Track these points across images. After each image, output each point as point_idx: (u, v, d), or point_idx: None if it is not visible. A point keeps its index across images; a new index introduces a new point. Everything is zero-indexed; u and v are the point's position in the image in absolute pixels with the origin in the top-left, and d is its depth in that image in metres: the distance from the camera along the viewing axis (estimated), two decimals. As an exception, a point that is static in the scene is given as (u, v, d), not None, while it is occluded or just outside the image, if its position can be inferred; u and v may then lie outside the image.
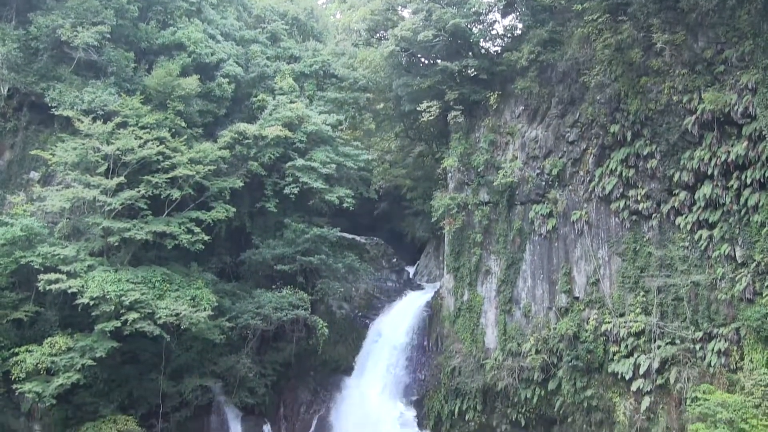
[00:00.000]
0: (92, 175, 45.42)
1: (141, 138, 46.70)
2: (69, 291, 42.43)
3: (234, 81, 55.70)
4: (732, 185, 39.72)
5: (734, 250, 39.98)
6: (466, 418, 50.11)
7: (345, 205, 54.94)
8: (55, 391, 40.56)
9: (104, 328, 42.37)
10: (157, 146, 46.80)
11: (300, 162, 53.42)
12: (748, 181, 38.80)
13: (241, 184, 51.31)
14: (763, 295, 38.54)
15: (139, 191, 45.87)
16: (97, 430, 42.06)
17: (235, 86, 55.81)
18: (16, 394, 41.45)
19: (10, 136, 49.34)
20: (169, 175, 46.82)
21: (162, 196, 46.94)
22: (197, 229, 47.03)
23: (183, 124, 50.45)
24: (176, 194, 47.06)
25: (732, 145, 39.56)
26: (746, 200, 39.03)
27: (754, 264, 38.87)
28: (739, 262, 39.79)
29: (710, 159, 40.44)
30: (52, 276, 42.43)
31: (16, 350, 42.22)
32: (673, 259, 42.85)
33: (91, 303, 42.12)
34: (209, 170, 48.81)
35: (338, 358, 53.22)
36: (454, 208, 52.44)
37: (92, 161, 45.83)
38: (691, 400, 40.40)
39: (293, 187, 52.97)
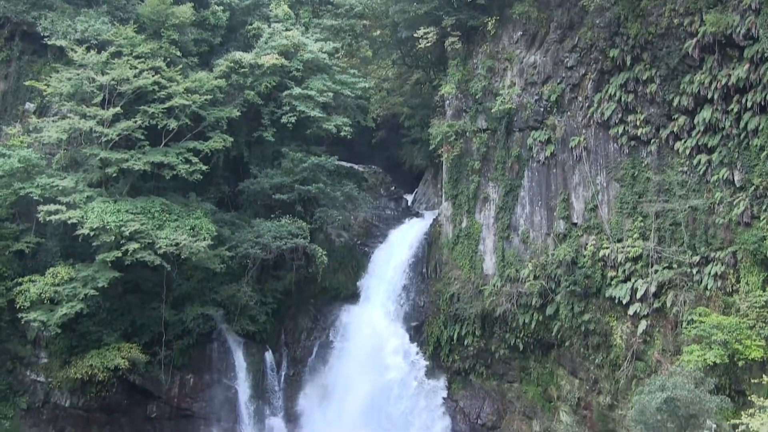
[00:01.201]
0: (88, 106, 45.21)
1: (136, 68, 46.29)
2: (69, 222, 42.68)
3: (228, 9, 54.93)
4: (732, 109, 39.50)
5: (733, 174, 40.01)
6: (465, 343, 50.84)
7: (342, 133, 54.72)
8: (60, 320, 41.10)
9: (105, 259, 42.73)
10: (153, 76, 46.43)
11: (297, 91, 53.03)
12: (749, 104, 38.58)
13: (238, 113, 51.02)
14: (761, 218, 38.71)
15: (135, 122, 45.70)
16: (102, 357, 42.72)
17: (230, 14, 55.06)
18: (22, 322, 42.08)
19: (3, 67, 48.96)
20: (166, 105, 46.57)
21: (159, 127, 46.77)
22: (195, 159, 46.98)
23: (178, 54, 49.93)
24: (173, 124, 46.86)
25: (733, 68, 39.19)
26: (746, 124, 38.87)
27: (752, 188, 38.94)
28: (738, 186, 39.85)
29: (710, 83, 40.10)
30: (52, 207, 42.59)
31: (20, 280, 42.73)
32: (672, 184, 42.89)
33: (92, 234, 42.40)
34: (205, 100, 48.50)
35: (338, 286, 53.67)
36: (452, 136, 52.25)
37: (87, 92, 45.53)
38: (687, 322, 40.91)
39: (290, 116, 52.68)
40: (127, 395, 46.11)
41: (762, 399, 25.26)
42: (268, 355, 50.86)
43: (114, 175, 45.51)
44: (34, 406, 44.09)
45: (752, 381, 36.14)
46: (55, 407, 44.39)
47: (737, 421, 26.46)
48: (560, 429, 47.01)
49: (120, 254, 42.75)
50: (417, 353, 50.91)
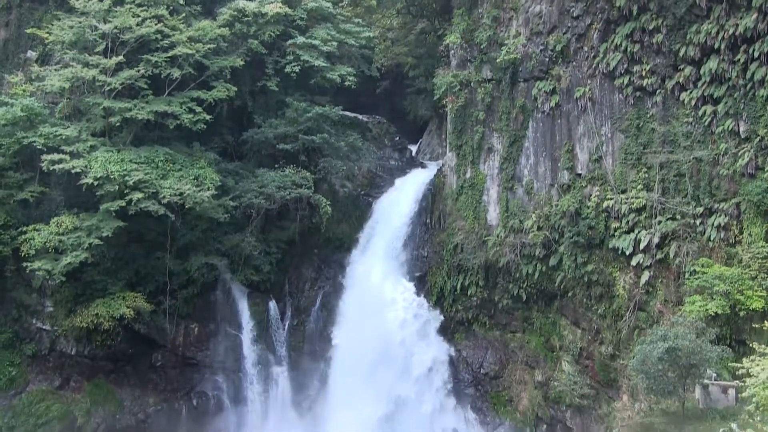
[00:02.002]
0: (90, 55, 44.90)
1: (138, 16, 45.91)
2: (73, 171, 42.69)
3: (231, -45, 54.20)
4: (739, 59, 39.12)
5: (738, 125, 39.77)
6: (469, 293, 51.09)
7: (347, 83, 54.43)
8: (64, 269, 41.30)
9: (109, 208, 42.81)
10: (156, 24, 46.08)
11: (301, 40, 52.60)
12: (756, 54, 38.20)
13: (242, 63, 50.64)
14: (765, 169, 38.58)
15: (138, 71, 45.45)
16: (107, 306, 42.99)
17: (233, -39, 54.35)
18: (27, 271, 42.29)
19: (3, 14, 48.58)
20: (169, 54, 46.25)
21: (162, 76, 46.51)
22: (198, 109, 46.80)
23: (181, 2, 49.45)
24: (176, 73, 46.59)
25: (741, 18, 38.71)
26: (752, 74, 38.55)
27: (757, 139, 38.76)
28: (743, 137, 39.66)
29: (717, 32, 39.65)
30: (55, 156, 42.59)
31: (24, 229, 42.85)
32: (676, 135, 42.68)
33: (95, 183, 42.44)
34: (209, 49, 48.14)
35: (342, 236, 53.72)
36: (457, 86, 51.90)
37: (90, 40, 45.22)
38: (689, 273, 41.05)
39: (294, 66, 52.35)
40: (132, 344, 46.52)
41: (763, 346, 25.43)
42: (272, 305, 51.16)
43: (117, 124, 45.40)
44: (40, 353, 44.56)
45: (753, 327, 36.33)
46: (61, 355, 44.86)
47: (738, 365, 26.65)
48: (562, 378, 47.46)
49: (124, 204, 42.81)
50: (419, 299, 51.10)
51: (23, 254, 42.12)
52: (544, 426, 48.07)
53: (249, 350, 49.11)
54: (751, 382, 24.48)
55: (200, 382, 48.18)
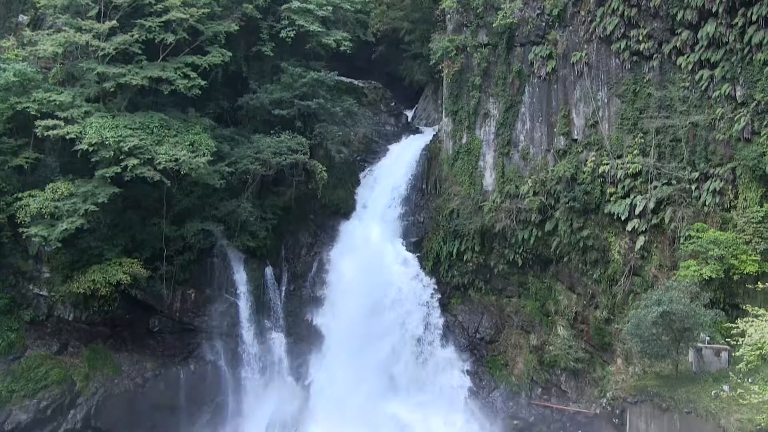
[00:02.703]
0: (83, 19, 44.51)
1: (131, -21, 45.43)
2: (67, 137, 42.57)
3: None
4: (737, 23, 39.00)
5: (735, 89, 39.74)
6: (464, 258, 51.26)
7: (342, 48, 54.05)
8: (60, 235, 41.28)
9: (104, 174, 42.75)
10: (149, -12, 45.58)
11: (296, 4, 52.14)
12: (754, 17, 38.11)
13: (237, 27, 50.20)
14: (761, 134, 38.63)
15: (132, 35, 45.10)
16: (104, 272, 43.02)
17: None
18: (23, 237, 42.27)
19: (-5, -22, 48.00)
20: (163, 19, 45.82)
21: (156, 41, 46.14)
22: (193, 74, 46.48)
23: (174, -35, 48.83)
24: (170, 38, 46.23)
25: (739, -20, 38.58)
26: (750, 38, 38.48)
27: (753, 103, 38.76)
28: (739, 101, 39.66)
29: (715, -5, 39.53)
30: (50, 122, 42.43)
31: (19, 195, 42.76)
32: (673, 100, 42.66)
33: (90, 149, 42.30)
34: (203, 13, 47.69)
35: (338, 202, 53.70)
36: (453, 51, 51.67)
37: (83, 4, 44.82)
38: (684, 238, 41.27)
39: (289, 31, 51.97)
40: (129, 309, 46.67)
41: (756, 308, 25.67)
42: (269, 271, 51.24)
43: (111, 90, 45.14)
44: (37, 319, 44.69)
45: (747, 290, 36.57)
46: (59, 321, 45.02)
47: (733, 325, 26.91)
48: (557, 342, 47.84)
49: (119, 170, 42.67)
50: (414, 264, 51.32)
51: (19, 220, 42.07)
52: (539, 389, 48.53)
53: (246, 316, 49.30)
54: (745, 341, 24.72)
55: (197, 347, 48.39)
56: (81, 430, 42.02)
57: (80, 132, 42.43)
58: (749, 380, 24.84)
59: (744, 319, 25.50)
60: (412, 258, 51.58)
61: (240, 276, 49.47)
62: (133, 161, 42.60)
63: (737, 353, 27.56)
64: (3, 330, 43.37)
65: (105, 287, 42.70)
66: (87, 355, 44.58)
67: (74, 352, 44.54)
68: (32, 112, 42.85)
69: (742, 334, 24.99)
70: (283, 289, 51.90)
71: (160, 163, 43.13)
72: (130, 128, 43.72)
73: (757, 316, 24.77)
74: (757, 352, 23.88)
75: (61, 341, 44.67)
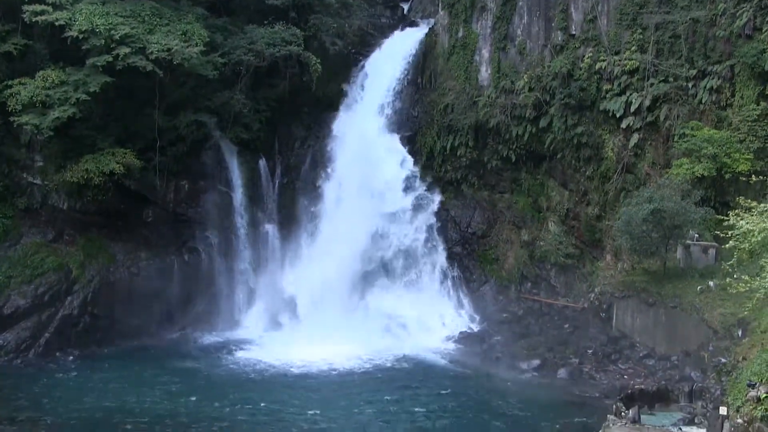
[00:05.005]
0: None
1: None
2: (57, 24, 41.77)
3: None
4: None
5: (738, -16, 39.13)
6: (458, 154, 51.26)
7: (338, -64, 52.69)
8: (52, 124, 40.95)
9: (96, 63, 42.15)
10: None
11: None
12: None
13: None
14: (762, 30, 38.21)
15: None
16: (97, 161, 42.83)
17: None
18: (15, 126, 41.92)
19: None
20: None
21: (146, -76, 44.80)
22: (185, -40, 45.38)
23: None
24: None
25: None
26: (755, -69, 37.65)
27: (756, -1, 38.20)
28: (741, -4, 39.10)
29: None
30: (38, 7, 41.59)
31: (10, 83, 42.20)
32: (674, -5, 42.03)
33: (81, 36, 41.64)
34: None
35: (332, 95, 53.19)
36: (451, -59, 50.50)
37: None
38: (678, 136, 41.35)
39: None
40: (123, 200, 46.70)
41: (749, 201, 25.90)
42: (262, 163, 51.22)
43: (101, -25, 44.05)
44: (32, 207, 44.76)
45: (738, 187, 36.87)
46: (54, 209, 45.10)
47: (723, 218, 27.25)
48: (548, 238, 48.39)
49: (111, 59, 42.03)
50: (408, 156, 51.42)
51: (10, 108, 41.59)
52: (529, 284, 49.34)
53: (239, 207, 49.54)
54: (734, 234, 25.02)
55: (191, 238, 48.69)
56: (78, 316, 42.62)
57: (70, 19, 41.62)
58: (735, 276, 25.28)
59: (735, 212, 25.72)
60: (405, 154, 51.45)
61: (233, 168, 49.45)
62: (124, 50, 41.96)
63: (726, 246, 27.95)
64: (-2, 217, 43.60)
65: (98, 177, 42.59)
66: (82, 243, 44.81)
67: (69, 240, 44.80)
68: (19, -3, 41.93)
69: (732, 228, 25.26)
70: (277, 181, 52.05)
71: (152, 52, 42.54)
72: (121, 16, 42.95)
73: (749, 209, 24.98)
74: (746, 246, 24.17)
75: (57, 230, 44.86)
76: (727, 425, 24.25)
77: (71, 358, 41.26)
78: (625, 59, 44.02)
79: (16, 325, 41.01)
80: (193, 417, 33.08)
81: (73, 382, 37.79)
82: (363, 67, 54.68)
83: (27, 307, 41.37)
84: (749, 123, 39.25)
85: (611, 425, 26.29)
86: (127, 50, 42.08)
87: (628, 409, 28.07)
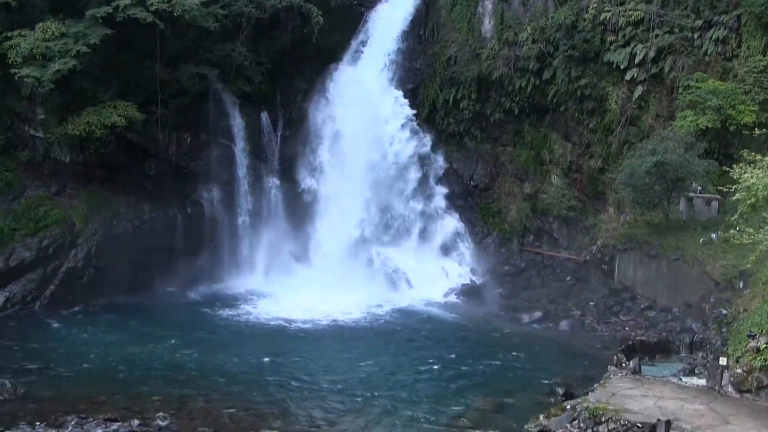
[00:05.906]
0: None
1: None
2: (55, -27, 41.34)
3: None
4: None
5: (746, -69, 38.55)
6: (461, 106, 51.05)
7: None
8: (53, 76, 40.68)
9: (95, 14, 41.84)
10: None
11: None
12: None
13: None
14: (771, -21, 37.78)
15: None
16: (98, 114, 42.69)
17: None
18: (16, 78, 41.66)
19: None
20: None
21: None
22: None
23: None
24: None
25: None
26: None
27: (765, -53, 37.68)
28: (751, -56, 38.57)
29: None
30: (36, -43, 41.12)
31: (9, 35, 41.83)
32: (682, -57, 41.46)
33: (80, -13, 41.24)
34: None
35: (334, 47, 52.67)
36: None
37: None
38: (683, 88, 41.09)
39: None
40: (125, 153, 46.57)
41: (753, 154, 25.85)
42: (264, 116, 51.01)
43: (99, -76, 43.43)
44: (35, 160, 44.64)
45: (742, 139, 36.76)
46: (56, 162, 45.00)
47: (727, 169, 27.24)
48: (551, 191, 48.44)
49: (110, 10, 41.68)
50: (409, 109, 51.09)
51: (10, 61, 41.30)
52: (531, 236, 49.52)
53: (242, 161, 49.43)
54: (738, 187, 24.98)
55: (194, 191, 48.68)
56: (83, 269, 42.80)
57: (69, -32, 41.25)
58: (738, 228, 25.34)
59: (739, 165, 25.67)
60: (408, 106, 51.14)
61: (236, 120, 49.25)
62: (124, 1, 41.59)
63: (730, 199, 27.97)
64: (0, 170, 43.49)
65: (100, 129, 42.48)
66: (85, 197, 44.82)
67: (72, 193, 44.79)
68: (13, -56, 41.38)
69: (736, 181, 25.22)
70: (279, 134, 51.92)
71: (152, 3, 42.15)
72: (120, -35, 42.47)
73: (753, 162, 24.89)
74: (751, 200, 24.11)
75: (59, 183, 44.82)
76: (726, 375, 24.50)
77: (76, 308, 41.61)
78: (630, 10, 43.61)
79: (21, 277, 41.22)
80: (198, 370, 33.36)
81: (77, 335, 38.01)
82: (366, 18, 54.11)
83: (32, 260, 41.55)
84: (755, 74, 38.96)
85: (612, 376, 26.57)
86: (127, 1, 41.71)
87: (629, 360, 28.35)
